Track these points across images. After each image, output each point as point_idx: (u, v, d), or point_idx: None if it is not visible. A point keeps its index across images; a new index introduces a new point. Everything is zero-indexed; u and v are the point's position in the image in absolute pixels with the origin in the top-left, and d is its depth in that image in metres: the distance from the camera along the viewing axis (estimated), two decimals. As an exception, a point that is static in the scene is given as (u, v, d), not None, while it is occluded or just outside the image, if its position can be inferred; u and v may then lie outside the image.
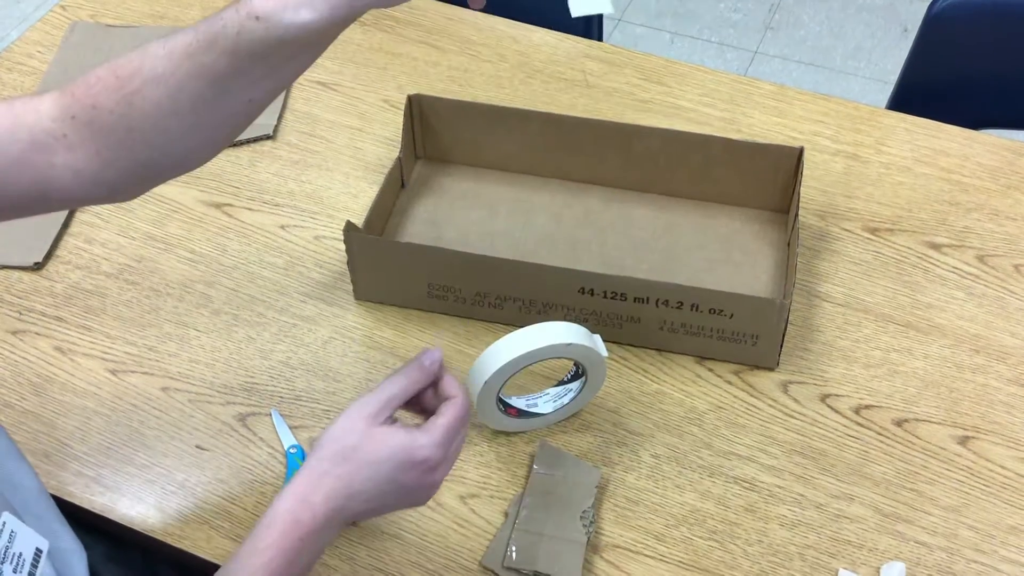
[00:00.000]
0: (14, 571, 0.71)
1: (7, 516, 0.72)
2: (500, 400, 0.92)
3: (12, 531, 0.72)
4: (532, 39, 1.37)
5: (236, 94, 0.72)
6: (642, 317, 0.99)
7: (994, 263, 1.09)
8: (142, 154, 0.75)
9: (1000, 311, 1.04)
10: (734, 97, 1.28)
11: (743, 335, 0.97)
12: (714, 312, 0.96)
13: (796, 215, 1.04)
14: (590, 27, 1.55)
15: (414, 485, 0.76)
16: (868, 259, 1.10)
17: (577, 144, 1.14)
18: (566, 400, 0.96)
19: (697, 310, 0.96)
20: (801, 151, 1.06)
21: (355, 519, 0.78)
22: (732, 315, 0.96)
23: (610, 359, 1.01)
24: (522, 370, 0.89)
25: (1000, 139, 1.22)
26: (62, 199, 0.77)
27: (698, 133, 1.11)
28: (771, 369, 1.00)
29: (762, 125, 1.24)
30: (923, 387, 0.99)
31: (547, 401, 0.96)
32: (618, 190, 1.16)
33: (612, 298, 0.98)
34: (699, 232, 1.12)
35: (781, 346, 0.99)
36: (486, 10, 1.40)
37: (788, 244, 1.07)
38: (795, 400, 0.98)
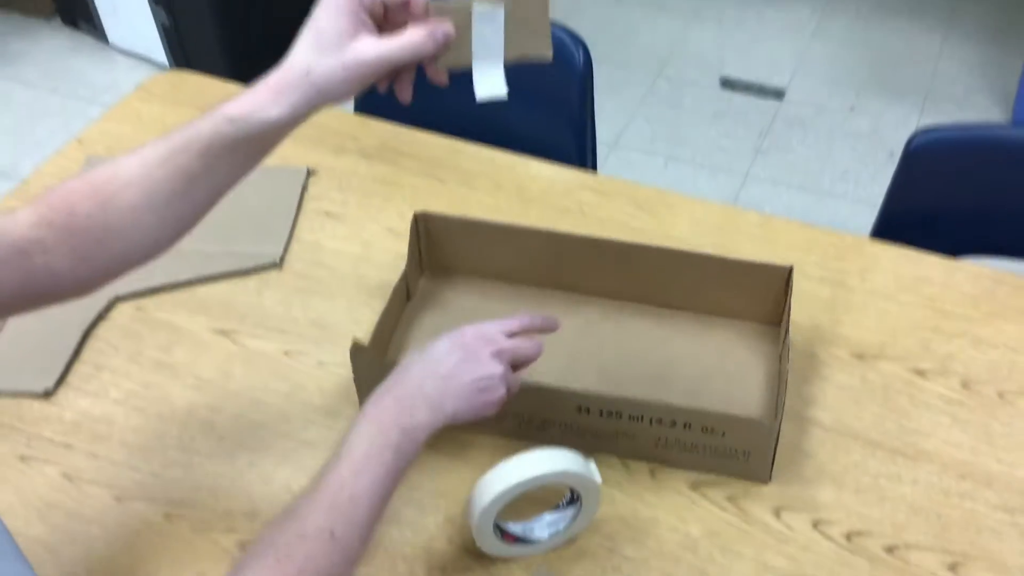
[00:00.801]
0: None
1: None
2: (497, 526, 0.94)
3: None
4: (529, 170, 1.43)
5: (205, 187, 0.84)
6: (637, 434, 1.03)
7: (978, 389, 1.12)
8: (117, 248, 0.85)
9: (985, 437, 1.07)
10: (723, 226, 1.33)
11: (735, 451, 1.00)
12: (706, 431, 0.99)
13: (787, 330, 1.08)
14: (584, 157, 1.62)
15: (470, 360, 0.90)
16: (855, 384, 1.13)
17: (576, 259, 1.20)
18: (561, 526, 0.97)
19: (689, 428, 1.00)
20: (790, 270, 1.11)
21: (439, 415, 0.87)
22: (724, 433, 0.99)
23: (604, 485, 1.03)
24: (519, 496, 0.91)
25: (980, 267, 1.26)
26: (37, 297, 0.84)
27: (692, 252, 1.16)
28: (764, 483, 1.03)
29: (750, 253, 1.28)
30: (912, 513, 1.01)
31: (543, 527, 0.98)
32: (616, 302, 1.22)
33: (608, 416, 1.01)
34: (694, 343, 1.17)
35: (772, 462, 1.01)
36: (485, 141, 1.47)
37: (780, 358, 1.10)
38: (787, 526, 1.00)
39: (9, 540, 0.83)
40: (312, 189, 1.40)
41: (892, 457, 1.05)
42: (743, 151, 2.85)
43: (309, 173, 1.43)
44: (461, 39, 0.84)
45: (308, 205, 1.38)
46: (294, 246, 1.32)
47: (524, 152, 1.46)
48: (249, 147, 0.83)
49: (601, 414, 1.01)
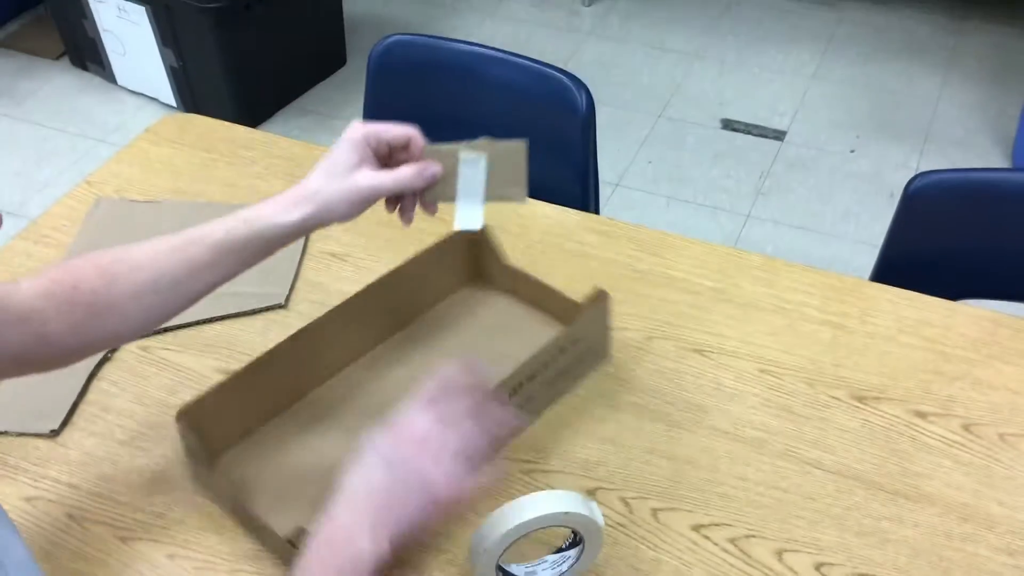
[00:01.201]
0: None
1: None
2: (500, 568, 0.94)
3: None
4: (533, 211, 1.45)
5: (206, 279, 0.95)
6: (526, 396, 1.10)
7: (979, 432, 1.12)
8: (112, 325, 0.93)
9: (987, 479, 1.07)
10: (724, 268, 1.34)
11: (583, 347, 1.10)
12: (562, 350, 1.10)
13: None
14: (587, 198, 1.64)
15: (394, 464, 0.86)
16: (856, 427, 1.13)
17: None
18: (564, 568, 0.98)
19: (548, 366, 1.09)
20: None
21: (381, 540, 0.83)
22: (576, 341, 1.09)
23: (606, 526, 1.03)
24: (521, 537, 0.92)
25: (980, 310, 1.27)
26: (28, 364, 0.91)
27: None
28: (607, 360, 1.10)
29: (751, 295, 1.30)
30: (914, 555, 1.01)
31: (546, 569, 0.98)
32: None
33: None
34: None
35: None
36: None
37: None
38: (791, 570, 1.00)
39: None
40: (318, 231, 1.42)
41: (894, 499, 1.06)
42: (744, 191, 2.88)
43: (315, 214, 1.44)
44: (449, 178, 0.97)
45: (314, 246, 1.39)
46: (300, 286, 1.33)
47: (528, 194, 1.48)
48: (256, 247, 0.95)
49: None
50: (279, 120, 3.28)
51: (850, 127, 3.12)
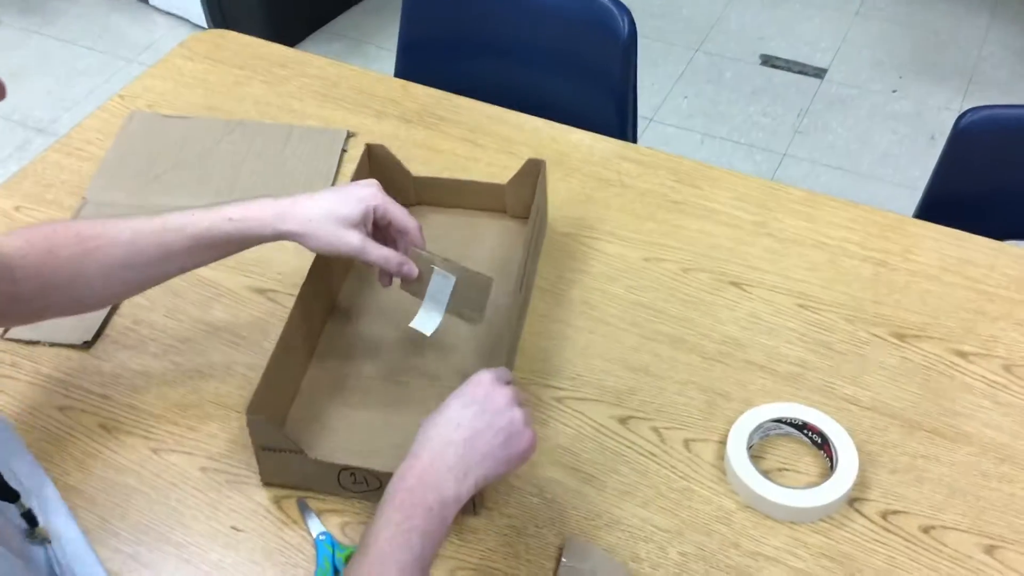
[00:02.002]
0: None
1: (33, 505, 0.81)
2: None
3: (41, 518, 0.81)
4: (570, 139, 1.42)
5: (177, 265, 1.00)
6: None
7: (1021, 373, 1.10)
8: (77, 294, 0.97)
9: (1027, 421, 1.06)
10: (765, 201, 1.31)
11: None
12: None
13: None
14: (625, 128, 1.61)
15: (488, 412, 0.86)
16: (895, 364, 1.11)
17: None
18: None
19: None
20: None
21: (467, 482, 0.83)
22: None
23: (640, 455, 1.03)
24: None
25: (1026, 250, 1.24)
26: None
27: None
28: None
29: (792, 229, 1.27)
30: (950, 494, 1.00)
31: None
32: None
33: None
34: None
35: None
36: (527, 110, 1.46)
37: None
38: (822, 502, 0.99)
39: (20, 442, 0.86)
40: (352, 152, 1.40)
41: (931, 438, 1.04)
42: (781, 130, 2.82)
43: (349, 135, 1.42)
44: (422, 280, 1.06)
45: (347, 167, 1.38)
46: (333, 207, 1.32)
47: (565, 122, 1.45)
48: (234, 245, 1.00)
49: None
50: (310, 44, 3.24)
51: (892, 67, 3.05)
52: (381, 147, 1.24)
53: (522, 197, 1.25)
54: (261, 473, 1.01)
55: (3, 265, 0.92)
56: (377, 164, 1.25)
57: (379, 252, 1.02)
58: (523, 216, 1.28)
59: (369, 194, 1.02)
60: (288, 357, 1.05)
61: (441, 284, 1.06)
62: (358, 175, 1.21)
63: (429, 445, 0.84)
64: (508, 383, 0.90)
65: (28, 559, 0.79)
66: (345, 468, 0.97)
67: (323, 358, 1.12)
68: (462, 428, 0.84)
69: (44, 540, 0.80)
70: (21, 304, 0.95)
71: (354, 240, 1.00)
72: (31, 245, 0.94)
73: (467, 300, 1.08)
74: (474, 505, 0.98)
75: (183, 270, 1.02)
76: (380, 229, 1.05)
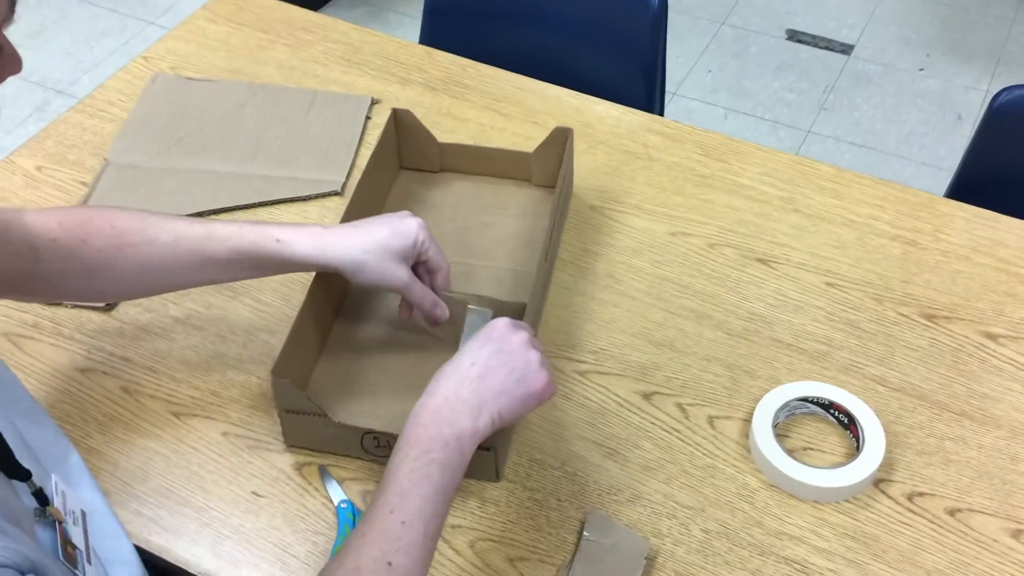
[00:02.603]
0: (73, 524, 0.79)
1: (56, 477, 0.80)
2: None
3: (63, 491, 0.80)
4: (596, 111, 1.40)
5: (214, 275, 0.99)
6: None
7: (1052, 357, 1.09)
8: (101, 284, 0.96)
9: (1057, 405, 1.04)
10: (793, 177, 1.30)
11: None
12: None
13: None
14: (652, 101, 1.59)
15: (504, 352, 0.85)
16: (924, 345, 1.10)
17: None
18: None
19: None
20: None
21: (483, 418, 0.83)
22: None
23: (663, 431, 1.02)
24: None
25: (1059, 233, 1.22)
26: (5, 290, 0.94)
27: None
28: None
29: (820, 206, 1.25)
30: (977, 477, 0.98)
31: None
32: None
33: None
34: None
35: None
36: (552, 80, 1.44)
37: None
38: (847, 483, 0.98)
39: (42, 411, 0.86)
40: (376, 118, 1.39)
41: (959, 420, 1.03)
42: (807, 106, 2.79)
43: (373, 102, 1.41)
44: (452, 323, 1.05)
45: (371, 134, 1.36)
46: (355, 173, 1.30)
47: (591, 93, 1.43)
48: (272, 267, 0.98)
49: None
50: (331, 9, 3.21)
51: (920, 45, 3.01)
52: (407, 112, 1.22)
53: (548, 166, 1.24)
54: (284, 436, 1.00)
55: (28, 244, 0.91)
56: (403, 129, 1.24)
57: (421, 290, 1.01)
58: (548, 185, 1.26)
59: (417, 227, 1.00)
60: (312, 321, 1.04)
61: (477, 322, 1.03)
62: (384, 140, 1.20)
63: (444, 383, 0.84)
64: (527, 329, 0.90)
65: (36, 540, 0.79)
66: (368, 432, 0.96)
67: (346, 323, 1.12)
68: (476, 366, 0.85)
69: (55, 520, 0.80)
70: (41, 283, 0.94)
71: (403, 275, 0.99)
72: (64, 229, 0.92)
73: None
74: (497, 472, 0.98)
75: (214, 282, 1.02)
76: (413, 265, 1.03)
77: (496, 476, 0.98)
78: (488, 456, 0.96)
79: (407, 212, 1.02)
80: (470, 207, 1.24)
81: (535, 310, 1.08)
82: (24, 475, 0.74)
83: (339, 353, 1.09)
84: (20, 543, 0.64)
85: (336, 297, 1.12)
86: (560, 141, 1.20)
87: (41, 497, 0.77)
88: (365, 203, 1.16)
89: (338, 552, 0.76)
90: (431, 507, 0.77)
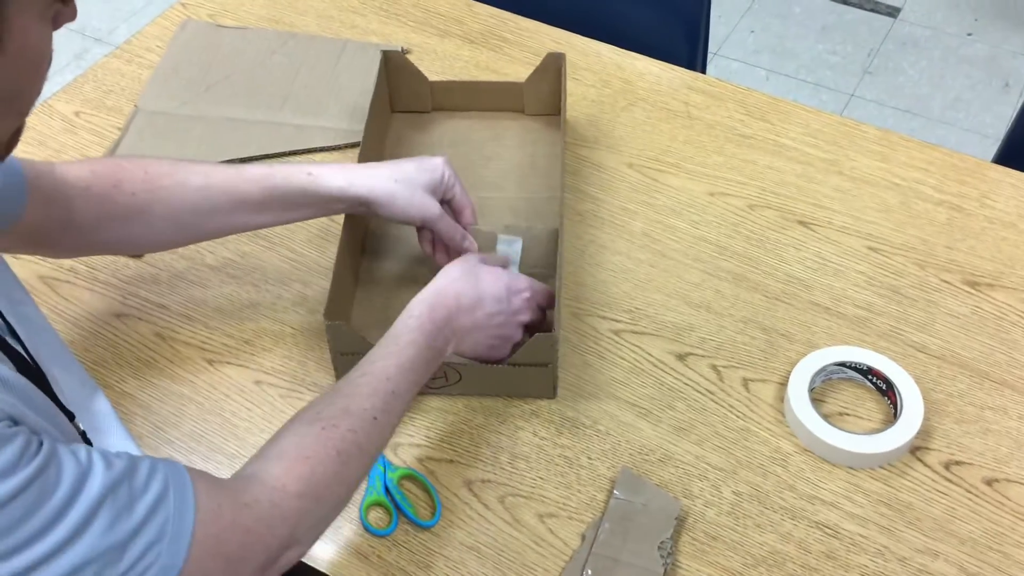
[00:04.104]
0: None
1: (83, 426, 0.80)
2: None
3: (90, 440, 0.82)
4: (636, 67, 1.38)
5: (248, 218, 0.98)
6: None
7: (1098, 328, 1.06)
8: (136, 231, 0.95)
9: (1102, 378, 1.02)
10: (837, 139, 1.27)
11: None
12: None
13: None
14: (695, 57, 1.56)
15: (505, 314, 0.94)
16: (966, 313, 1.08)
17: None
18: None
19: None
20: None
21: (452, 341, 0.92)
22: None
23: (697, 392, 1.01)
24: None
25: (1111, 202, 1.19)
26: (39, 243, 0.93)
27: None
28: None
29: (865, 168, 1.23)
30: (1016, 448, 0.97)
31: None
32: None
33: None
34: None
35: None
36: (590, 35, 1.42)
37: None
38: (883, 450, 0.97)
39: (71, 355, 0.86)
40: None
41: (1000, 389, 1.01)
42: (850, 69, 2.73)
43: (403, 52, 1.39)
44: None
45: (408, 86, 1.35)
46: (393, 126, 1.29)
47: (631, 49, 1.41)
48: (307, 203, 0.97)
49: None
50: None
51: (968, 9, 2.93)
52: (397, 54, 1.24)
53: (541, 94, 1.25)
54: (338, 378, 1.00)
55: (61, 192, 0.90)
56: (394, 72, 1.24)
57: (450, 223, 1.02)
58: (542, 114, 1.28)
59: (442, 163, 1.02)
60: (347, 263, 1.04)
61: (507, 251, 1.08)
62: (378, 85, 1.21)
63: (457, 298, 0.92)
64: (534, 294, 0.98)
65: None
66: None
67: (372, 262, 1.12)
68: (479, 312, 0.93)
69: None
70: (74, 233, 0.93)
71: (434, 207, 1.00)
72: (96, 176, 0.92)
73: (537, 257, 1.09)
74: (554, 388, 1.01)
75: (247, 227, 1.01)
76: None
77: (553, 392, 1.00)
78: (546, 372, 0.98)
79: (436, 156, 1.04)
80: (469, 143, 1.25)
81: (555, 234, 1.09)
82: (69, 416, 0.75)
83: (372, 291, 1.09)
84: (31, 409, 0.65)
85: (360, 237, 1.12)
86: (552, 68, 1.22)
87: (85, 439, 0.78)
88: (371, 152, 1.16)
89: (331, 392, 0.83)
90: (415, 388, 0.87)
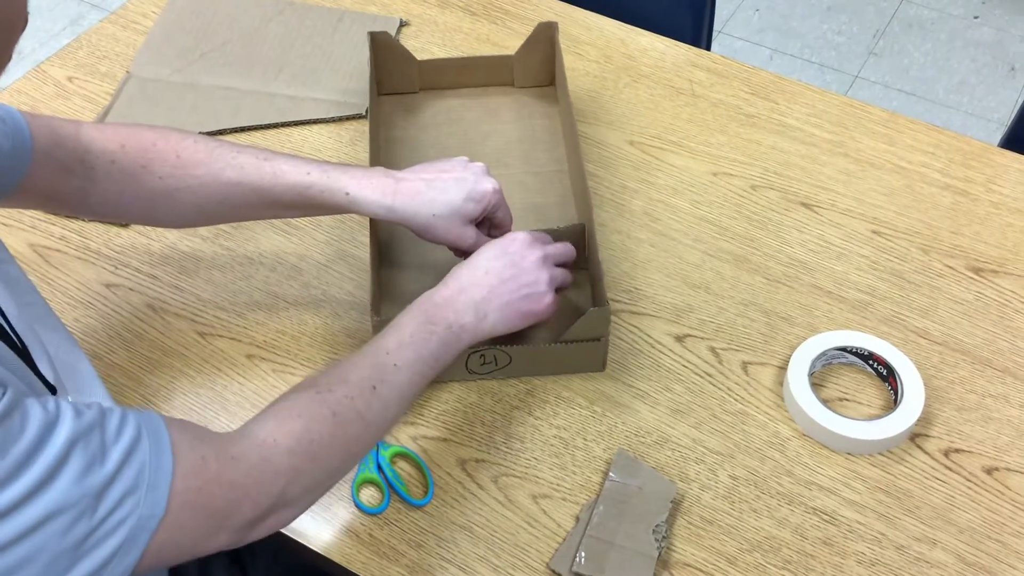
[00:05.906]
0: None
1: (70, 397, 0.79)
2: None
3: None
4: (640, 42, 1.36)
5: (274, 215, 1.00)
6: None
7: (1103, 317, 1.05)
8: (160, 212, 0.94)
9: (1106, 367, 1.01)
10: (843, 120, 1.25)
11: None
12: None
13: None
14: (699, 35, 1.53)
15: (518, 266, 0.90)
16: (969, 299, 1.06)
17: None
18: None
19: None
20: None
21: (483, 320, 0.88)
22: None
23: (696, 375, 1.00)
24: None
25: (1118, 189, 1.17)
26: (56, 205, 0.96)
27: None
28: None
29: (870, 150, 1.21)
30: (1017, 436, 0.96)
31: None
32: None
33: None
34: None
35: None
36: (594, 9, 1.39)
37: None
38: (882, 436, 0.96)
39: (53, 315, 0.85)
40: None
41: (1001, 377, 1.00)
42: (856, 50, 2.71)
43: (401, 24, 1.37)
44: None
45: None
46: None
47: (635, 24, 1.38)
48: (334, 210, 0.94)
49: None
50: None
51: (976, -9, 2.90)
52: (384, 34, 1.21)
53: (530, 66, 1.24)
54: None
55: (82, 161, 0.88)
56: (383, 52, 1.21)
57: (480, 244, 0.98)
58: (532, 85, 1.26)
59: (492, 191, 0.96)
60: (376, 253, 1.02)
61: None
62: (372, 68, 1.19)
63: (458, 280, 0.89)
64: (544, 247, 0.93)
65: None
66: (474, 351, 0.95)
67: (392, 244, 1.10)
68: (490, 275, 0.89)
69: None
70: (93, 203, 0.91)
71: (470, 237, 0.97)
72: (125, 152, 0.89)
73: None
74: (603, 362, 1.00)
75: (270, 217, 1.03)
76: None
77: (602, 366, 1.00)
78: (599, 346, 0.98)
79: (482, 166, 0.97)
80: (463, 121, 1.23)
81: (588, 221, 1.05)
82: (52, 390, 0.73)
83: (398, 277, 1.07)
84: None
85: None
86: (544, 39, 1.21)
87: None
88: (373, 144, 1.13)
89: (329, 367, 0.81)
90: (421, 367, 0.83)
